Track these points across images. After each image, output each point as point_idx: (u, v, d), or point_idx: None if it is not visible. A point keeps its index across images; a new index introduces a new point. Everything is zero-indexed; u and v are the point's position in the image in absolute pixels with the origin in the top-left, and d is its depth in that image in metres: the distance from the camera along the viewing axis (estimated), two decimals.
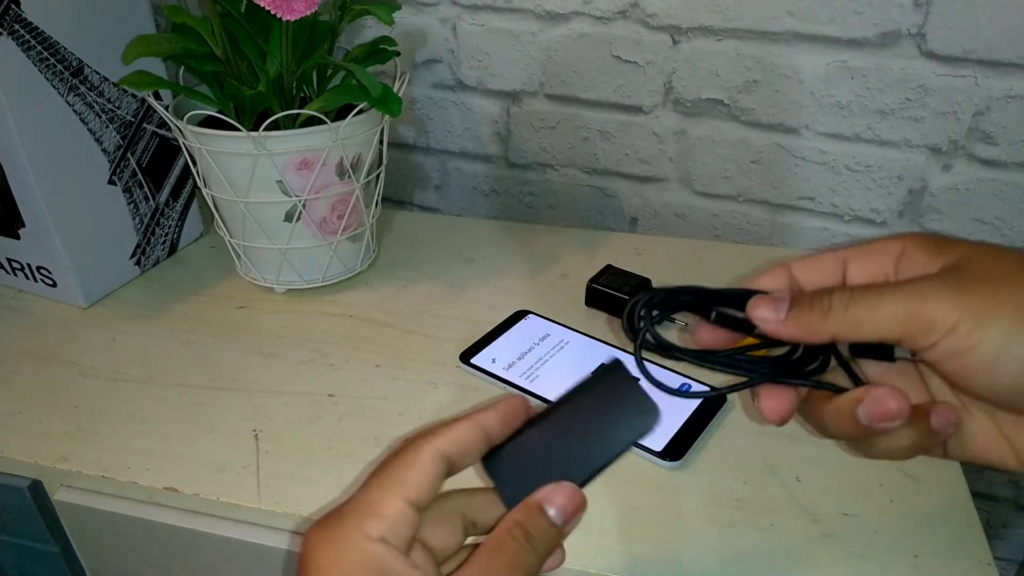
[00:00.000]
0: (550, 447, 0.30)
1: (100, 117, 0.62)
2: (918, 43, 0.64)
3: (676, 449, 0.48)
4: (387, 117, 0.60)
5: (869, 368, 0.34)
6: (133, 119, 0.65)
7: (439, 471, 0.29)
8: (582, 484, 0.30)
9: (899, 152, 0.69)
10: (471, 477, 0.33)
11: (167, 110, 0.58)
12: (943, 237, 0.32)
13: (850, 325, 0.30)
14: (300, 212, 0.60)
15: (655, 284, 0.63)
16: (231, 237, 0.64)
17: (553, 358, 0.56)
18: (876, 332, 0.29)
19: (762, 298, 0.32)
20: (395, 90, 0.57)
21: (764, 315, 0.31)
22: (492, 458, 0.31)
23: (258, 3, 0.49)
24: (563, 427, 0.31)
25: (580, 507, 0.30)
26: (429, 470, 0.28)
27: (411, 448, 0.29)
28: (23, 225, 0.61)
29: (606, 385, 0.31)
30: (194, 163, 0.62)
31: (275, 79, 0.58)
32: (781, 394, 0.33)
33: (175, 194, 0.71)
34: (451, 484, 0.30)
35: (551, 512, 0.29)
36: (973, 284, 0.28)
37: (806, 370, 0.33)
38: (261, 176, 0.58)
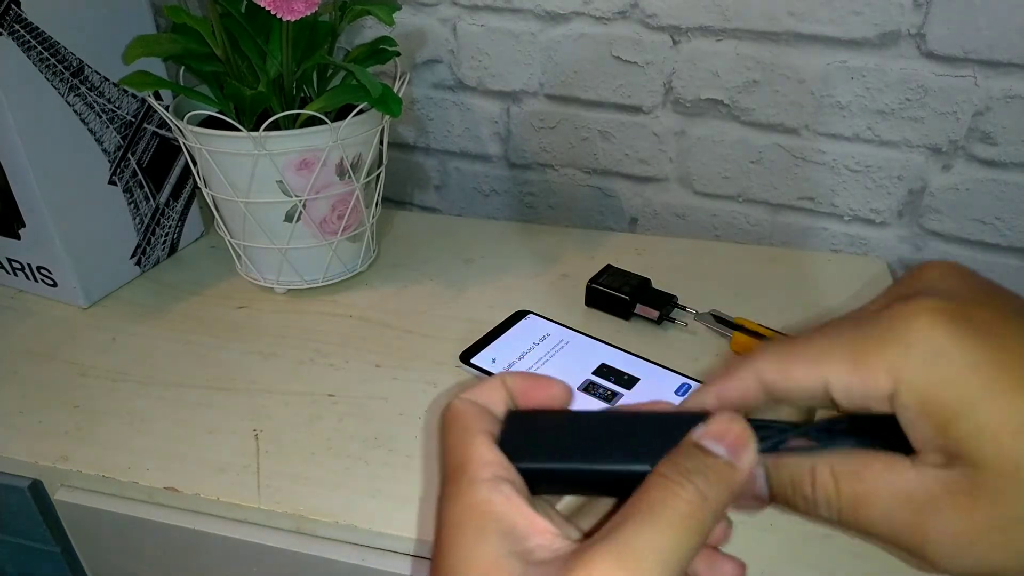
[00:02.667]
0: (576, 431, 0.27)
1: (100, 117, 0.62)
2: (918, 43, 0.64)
3: None
4: (387, 117, 0.60)
5: None
6: (133, 119, 0.65)
7: (483, 409, 0.27)
8: (591, 475, 0.26)
9: (899, 152, 0.69)
10: None
11: (167, 110, 0.58)
12: (956, 362, 0.22)
13: (843, 523, 0.25)
14: (300, 212, 0.60)
15: (655, 284, 0.63)
16: (231, 237, 0.64)
17: (553, 358, 0.56)
18: (872, 534, 0.24)
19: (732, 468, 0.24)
20: (395, 90, 0.57)
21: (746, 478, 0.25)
22: (511, 417, 0.28)
23: (258, 3, 0.49)
24: (602, 425, 0.27)
25: (743, 438, 0.24)
26: (473, 410, 0.26)
27: (445, 413, 0.27)
28: (23, 225, 0.61)
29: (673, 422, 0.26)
30: (194, 163, 0.62)
31: (275, 79, 0.58)
32: None
33: (175, 194, 0.71)
34: None
35: (717, 448, 0.24)
36: (987, 505, 0.21)
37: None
38: (261, 176, 0.58)
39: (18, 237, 0.62)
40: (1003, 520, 0.21)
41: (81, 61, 0.59)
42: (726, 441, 0.24)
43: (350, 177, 0.60)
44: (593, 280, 0.63)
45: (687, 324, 0.61)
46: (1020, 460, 0.21)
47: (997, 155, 0.66)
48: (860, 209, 0.73)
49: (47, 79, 0.57)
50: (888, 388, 0.23)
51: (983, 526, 0.22)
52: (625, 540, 0.21)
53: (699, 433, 0.24)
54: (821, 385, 0.24)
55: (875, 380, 0.23)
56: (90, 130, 0.61)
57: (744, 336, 0.58)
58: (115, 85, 0.62)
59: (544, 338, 0.58)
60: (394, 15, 0.55)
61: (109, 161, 0.63)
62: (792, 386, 0.25)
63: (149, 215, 0.68)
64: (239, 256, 0.66)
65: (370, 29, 0.77)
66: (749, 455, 0.24)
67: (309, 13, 0.50)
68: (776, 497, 0.26)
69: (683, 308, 0.62)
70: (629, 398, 0.52)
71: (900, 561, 0.43)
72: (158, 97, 0.62)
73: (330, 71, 0.62)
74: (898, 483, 0.23)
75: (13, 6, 0.53)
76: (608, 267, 0.65)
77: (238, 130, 0.55)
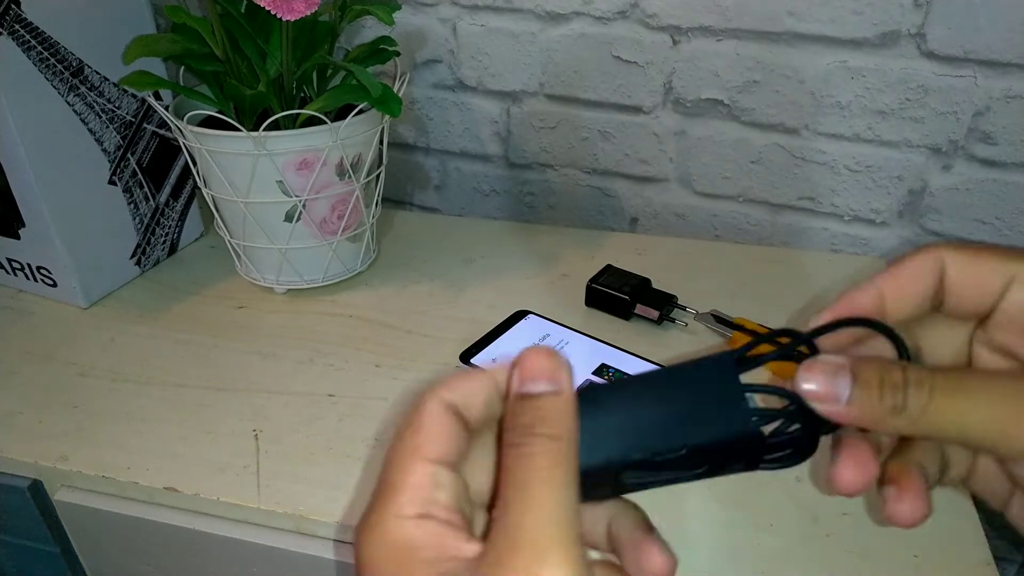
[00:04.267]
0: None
1: (100, 117, 0.62)
2: (918, 43, 0.64)
3: None
4: (387, 117, 0.60)
5: None
6: (133, 119, 0.65)
7: (447, 420, 0.25)
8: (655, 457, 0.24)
9: (899, 152, 0.69)
10: None
11: (167, 110, 0.58)
12: None
13: (929, 427, 0.24)
14: (300, 212, 0.60)
15: (655, 284, 0.63)
16: (231, 237, 0.64)
17: None
18: (960, 438, 0.24)
19: (816, 363, 0.25)
20: (395, 90, 0.57)
21: (818, 390, 0.24)
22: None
23: (258, 3, 0.49)
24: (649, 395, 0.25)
25: (552, 359, 0.24)
26: (438, 421, 0.24)
27: (414, 408, 0.25)
28: (23, 225, 0.61)
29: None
30: (194, 163, 0.62)
31: (275, 79, 0.58)
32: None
33: (175, 194, 0.71)
34: None
35: (538, 387, 0.24)
36: None
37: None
38: (261, 176, 0.58)
39: (18, 237, 0.62)
40: None
41: (81, 61, 0.59)
42: (544, 375, 0.24)
43: (350, 177, 0.60)
44: (593, 280, 0.63)
45: (687, 324, 0.61)
46: None
47: (997, 155, 0.66)
48: (860, 209, 0.73)
49: (47, 79, 0.57)
50: None
51: None
52: (515, 535, 0.21)
53: (516, 383, 0.24)
54: (1006, 282, 0.25)
55: None
56: (90, 130, 0.61)
57: (744, 336, 0.58)
58: (115, 85, 0.62)
59: (544, 338, 0.58)
60: (394, 15, 0.55)
61: (109, 161, 0.63)
62: (973, 282, 0.25)
63: (149, 215, 0.68)
64: (239, 256, 0.66)
65: (370, 29, 0.77)
66: (565, 373, 0.24)
67: (309, 13, 0.50)
68: (855, 400, 0.24)
69: (683, 308, 0.62)
70: None
71: (900, 565, 0.43)
72: (158, 97, 0.62)
73: (330, 71, 0.62)
74: (1000, 382, 0.23)
75: (13, 6, 0.53)
76: (608, 267, 0.65)
77: (238, 130, 0.55)
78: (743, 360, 0.25)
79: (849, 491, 0.25)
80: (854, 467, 0.25)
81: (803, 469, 0.48)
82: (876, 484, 0.26)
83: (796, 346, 0.25)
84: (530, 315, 0.60)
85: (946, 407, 0.23)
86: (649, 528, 0.27)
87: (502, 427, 0.25)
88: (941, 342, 0.27)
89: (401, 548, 0.22)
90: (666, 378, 0.26)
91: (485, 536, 0.22)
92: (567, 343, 0.57)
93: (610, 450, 0.24)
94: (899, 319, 0.27)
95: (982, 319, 0.26)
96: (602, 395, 0.25)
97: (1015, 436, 0.22)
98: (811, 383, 0.24)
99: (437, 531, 0.23)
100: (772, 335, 0.26)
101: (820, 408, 0.24)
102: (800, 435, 0.25)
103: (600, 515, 0.27)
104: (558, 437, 0.23)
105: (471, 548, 0.22)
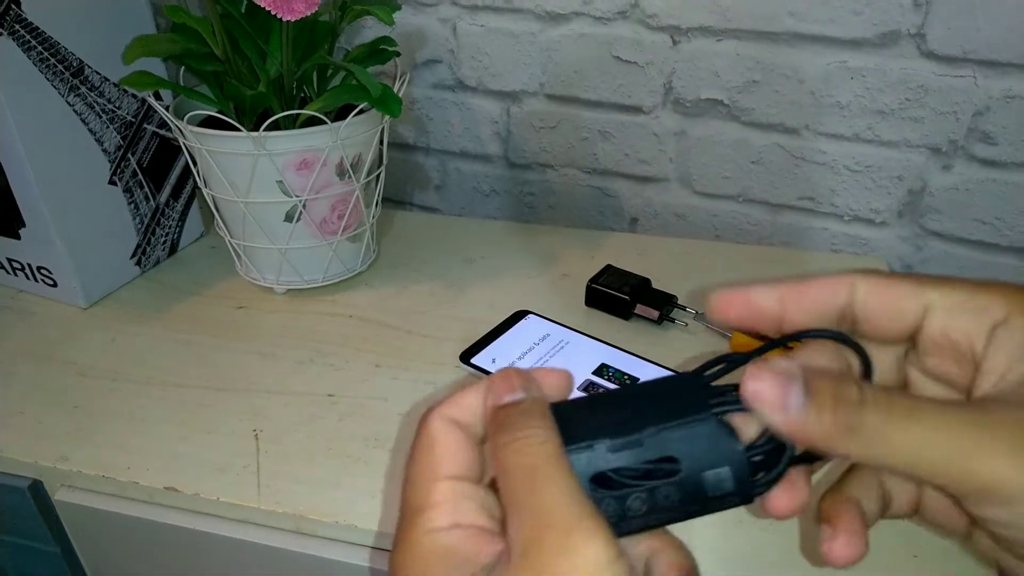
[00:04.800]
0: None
1: (100, 117, 0.62)
2: (918, 43, 0.64)
3: None
4: (387, 117, 0.60)
5: None
6: (133, 119, 0.65)
7: (456, 435, 0.25)
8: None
9: (899, 152, 0.69)
10: None
11: (167, 110, 0.58)
12: None
13: (882, 453, 0.22)
14: (300, 212, 0.60)
15: (655, 284, 0.63)
16: (231, 237, 0.64)
17: (553, 358, 0.56)
18: (909, 469, 0.22)
19: (767, 366, 0.23)
20: (395, 90, 0.57)
21: (765, 394, 0.23)
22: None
23: (258, 3, 0.49)
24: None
25: (517, 373, 0.26)
26: (446, 439, 0.25)
27: (421, 429, 0.26)
28: (23, 225, 0.61)
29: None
30: (194, 163, 0.62)
31: (275, 79, 0.58)
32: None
33: (175, 194, 0.71)
34: None
35: (514, 397, 0.25)
36: None
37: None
38: (261, 176, 0.58)
39: (18, 237, 0.62)
40: None
41: (81, 61, 0.59)
42: (515, 388, 0.25)
43: (350, 177, 0.60)
44: (593, 280, 0.63)
45: (687, 324, 0.61)
46: None
47: (997, 155, 0.66)
48: (860, 209, 0.73)
49: (47, 79, 0.57)
50: (1001, 315, 0.23)
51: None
52: (538, 515, 0.22)
53: (491, 400, 0.25)
54: (921, 309, 0.24)
55: (990, 307, 0.23)
56: (90, 130, 0.61)
57: (744, 336, 0.58)
58: (115, 85, 0.62)
59: (544, 338, 0.58)
60: (394, 15, 0.55)
61: (109, 161, 0.63)
62: (885, 308, 0.25)
63: (149, 215, 0.68)
64: (239, 256, 0.66)
65: (370, 29, 0.77)
66: (535, 384, 0.26)
67: (309, 13, 0.50)
68: (806, 413, 0.22)
69: (683, 308, 0.62)
70: None
71: (900, 565, 0.43)
72: (158, 97, 0.62)
73: (330, 71, 0.62)
74: (956, 413, 0.22)
75: (13, 6, 0.53)
76: (608, 267, 0.65)
77: (238, 130, 0.55)
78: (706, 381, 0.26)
79: (779, 514, 0.25)
80: (785, 490, 0.25)
81: None
82: (816, 519, 0.26)
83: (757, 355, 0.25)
84: (530, 315, 0.60)
85: (902, 433, 0.22)
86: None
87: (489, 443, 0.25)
88: (876, 362, 0.26)
89: (438, 557, 0.23)
90: (633, 389, 0.27)
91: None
92: (567, 343, 0.57)
93: (584, 436, 0.25)
94: (791, 331, 0.26)
95: (913, 344, 0.26)
96: (569, 406, 0.26)
97: (968, 471, 0.21)
98: (758, 383, 0.23)
99: (470, 535, 0.23)
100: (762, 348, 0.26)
101: (767, 416, 0.23)
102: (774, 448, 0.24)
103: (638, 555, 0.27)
104: (545, 426, 0.24)
105: (504, 545, 0.23)
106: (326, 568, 0.46)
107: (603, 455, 0.24)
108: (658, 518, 0.25)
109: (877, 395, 0.22)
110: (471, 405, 0.26)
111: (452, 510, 0.24)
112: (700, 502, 0.25)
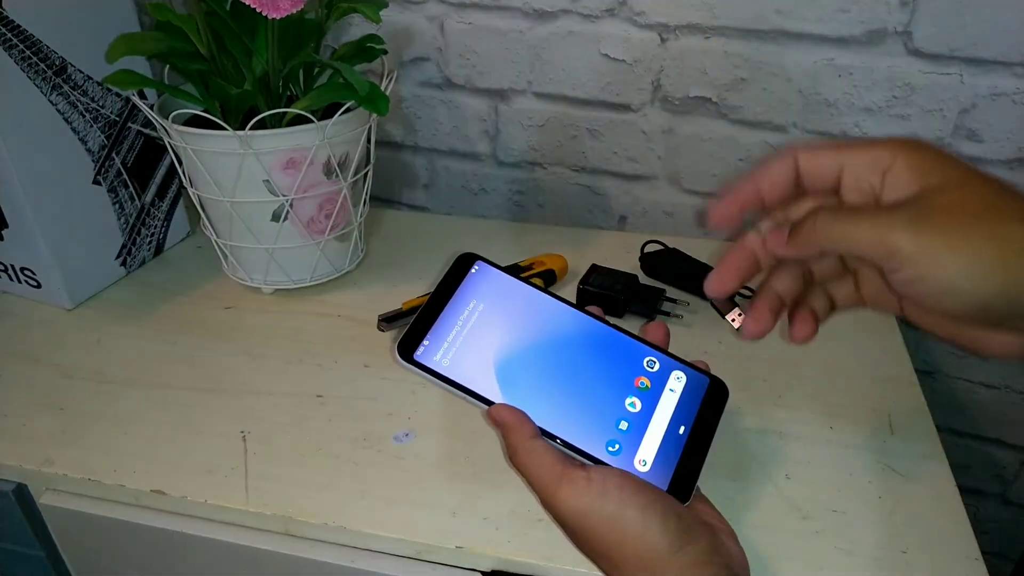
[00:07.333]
0: None
1: (84, 116, 0.61)
2: (904, 41, 0.64)
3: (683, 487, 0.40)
4: (374, 116, 0.60)
5: None
6: (117, 118, 0.64)
7: (528, 428, 0.39)
8: None
9: None
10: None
11: (152, 109, 0.58)
12: (933, 151, 0.34)
13: (832, 242, 0.34)
14: (287, 212, 0.60)
15: (642, 281, 0.63)
16: (218, 237, 0.64)
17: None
18: (853, 251, 0.33)
19: (778, 232, 0.37)
20: (382, 88, 0.57)
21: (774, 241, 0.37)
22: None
23: (244, 1, 0.48)
24: None
25: (513, 412, 0.39)
26: (510, 411, 0.39)
27: (519, 453, 0.38)
28: (6, 226, 0.60)
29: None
30: (180, 163, 0.61)
31: (261, 78, 0.58)
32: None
33: (161, 194, 0.70)
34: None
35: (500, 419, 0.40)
36: (938, 217, 0.31)
37: None
38: (247, 175, 0.57)
39: (1, 238, 0.61)
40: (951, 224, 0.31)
41: (64, 60, 0.58)
42: (504, 417, 0.39)
43: (337, 176, 0.60)
44: (583, 282, 0.63)
45: (682, 316, 0.61)
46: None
47: (983, 152, 0.67)
48: None
49: (29, 78, 0.56)
50: (888, 163, 0.34)
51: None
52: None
53: (492, 422, 0.40)
54: (839, 167, 0.36)
55: (880, 159, 0.34)
56: (74, 129, 0.60)
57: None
58: (99, 84, 0.61)
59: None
60: (381, 13, 0.55)
61: (93, 161, 0.63)
62: (816, 172, 0.36)
63: (134, 215, 0.68)
64: (226, 256, 0.65)
65: (357, 27, 0.77)
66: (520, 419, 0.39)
67: (295, 11, 0.49)
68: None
69: (673, 301, 0.62)
70: None
71: (889, 561, 0.43)
72: (142, 96, 0.62)
73: (316, 69, 0.62)
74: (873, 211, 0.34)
75: None
76: (594, 267, 0.64)
77: (224, 129, 0.55)
78: None
79: (713, 293, 0.39)
80: (755, 320, 0.38)
81: (793, 467, 0.48)
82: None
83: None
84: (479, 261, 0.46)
85: (839, 230, 0.33)
86: None
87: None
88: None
89: (586, 503, 0.36)
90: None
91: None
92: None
93: None
94: (772, 200, 0.37)
95: (835, 192, 0.36)
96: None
97: (883, 243, 0.32)
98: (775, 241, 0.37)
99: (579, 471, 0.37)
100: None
101: (776, 251, 0.37)
102: None
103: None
104: (517, 431, 0.39)
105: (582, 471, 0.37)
106: (316, 570, 0.46)
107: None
108: None
109: (826, 215, 0.34)
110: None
111: (558, 466, 0.37)
112: None
